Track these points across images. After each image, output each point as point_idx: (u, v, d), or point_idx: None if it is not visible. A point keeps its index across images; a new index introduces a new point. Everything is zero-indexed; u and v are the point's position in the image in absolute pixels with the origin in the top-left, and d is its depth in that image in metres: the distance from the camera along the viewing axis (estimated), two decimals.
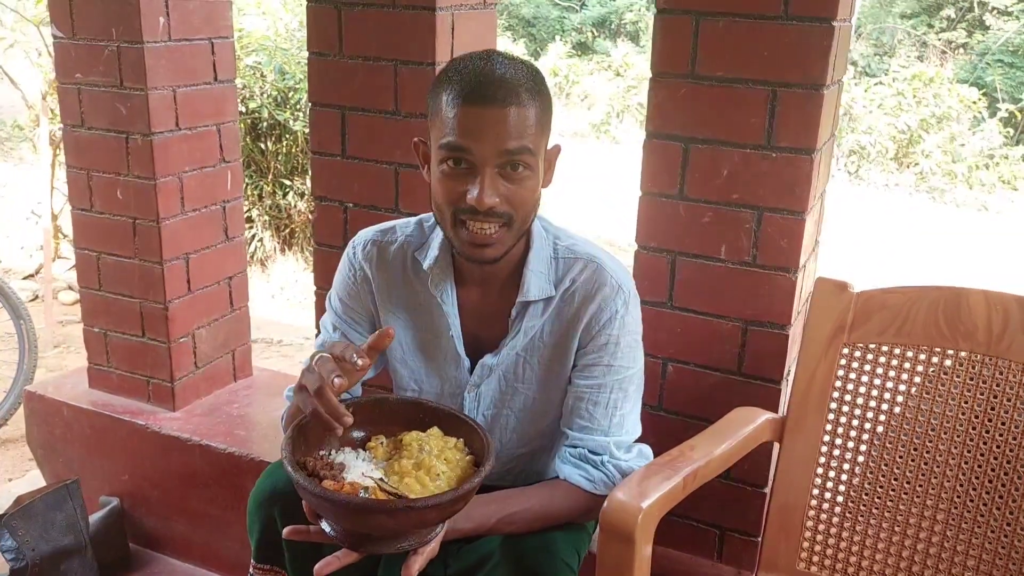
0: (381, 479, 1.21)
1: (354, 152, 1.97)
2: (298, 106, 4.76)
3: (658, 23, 1.63)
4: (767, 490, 1.75)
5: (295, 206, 4.87)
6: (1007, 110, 9.18)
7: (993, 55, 12.25)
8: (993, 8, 13.01)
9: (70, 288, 4.83)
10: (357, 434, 1.32)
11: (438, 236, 1.45)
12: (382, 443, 1.31)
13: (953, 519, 1.44)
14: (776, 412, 1.62)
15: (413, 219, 1.53)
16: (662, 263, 1.72)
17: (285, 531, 1.28)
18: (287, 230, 5.06)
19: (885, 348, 1.48)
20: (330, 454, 1.28)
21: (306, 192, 4.87)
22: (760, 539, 1.78)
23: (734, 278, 1.67)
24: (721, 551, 1.81)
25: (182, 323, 2.33)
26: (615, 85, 9.51)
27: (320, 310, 2.11)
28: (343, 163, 1.98)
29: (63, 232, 5.16)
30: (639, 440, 1.50)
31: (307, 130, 4.69)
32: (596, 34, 13.71)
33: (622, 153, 8.37)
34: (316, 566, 1.22)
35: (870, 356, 1.49)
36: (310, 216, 4.96)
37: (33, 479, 2.67)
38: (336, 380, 1.17)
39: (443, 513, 1.17)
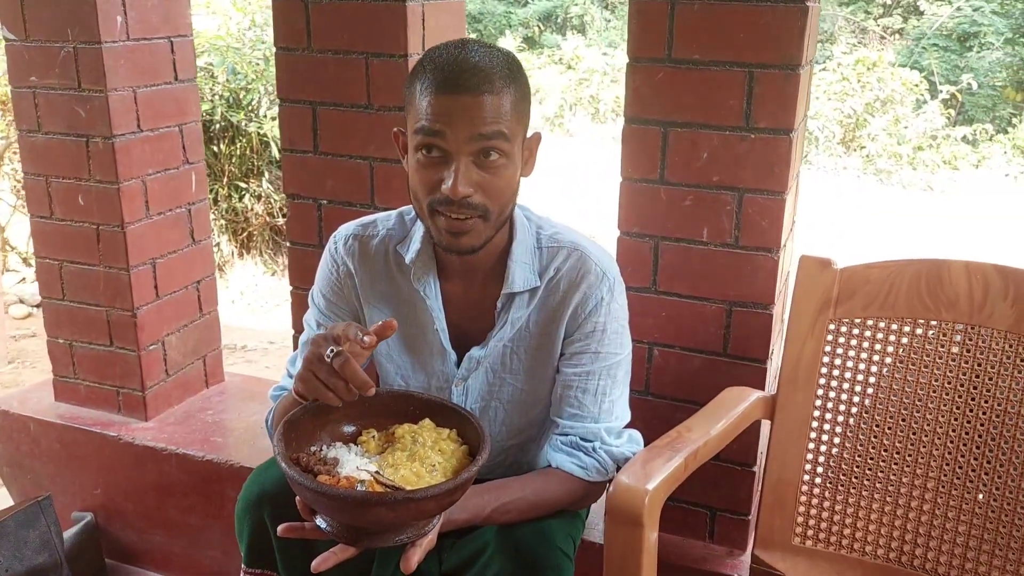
0: (377, 472, 1.19)
1: (327, 148, 1.94)
2: (251, 107, 4.68)
3: (633, 8, 1.63)
4: (756, 468, 1.77)
5: (252, 209, 4.80)
6: (948, 92, 9.41)
7: (928, 39, 12.54)
8: None
9: (21, 302, 4.70)
10: (348, 428, 1.30)
11: (420, 229, 1.44)
12: (374, 436, 1.30)
13: (943, 487, 1.46)
14: (763, 391, 1.64)
15: (394, 212, 1.51)
16: (645, 248, 1.72)
17: (280, 529, 1.25)
18: (244, 234, 4.98)
19: (870, 322, 1.50)
20: (322, 450, 1.26)
21: (263, 194, 4.80)
22: (751, 517, 1.80)
23: (717, 260, 1.68)
24: (713, 531, 1.82)
25: (151, 330, 2.27)
26: (567, 78, 9.53)
27: (298, 309, 2.08)
28: (316, 159, 1.95)
29: (10, 244, 5.01)
30: (628, 426, 1.51)
31: (261, 131, 4.63)
32: (543, 28, 13.73)
33: (576, 145, 8.39)
34: (314, 562, 1.20)
35: (856, 331, 1.51)
36: (268, 218, 4.89)
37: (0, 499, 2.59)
38: (365, 338, 1.17)
39: (441, 504, 1.16)
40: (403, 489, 1.15)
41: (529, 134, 1.36)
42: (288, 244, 2.06)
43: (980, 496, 1.43)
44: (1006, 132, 10.33)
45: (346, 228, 1.51)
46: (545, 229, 1.44)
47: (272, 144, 4.59)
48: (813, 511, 1.55)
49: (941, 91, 9.39)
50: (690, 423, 1.43)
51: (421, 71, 1.28)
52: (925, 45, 12.46)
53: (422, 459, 1.22)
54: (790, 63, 1.56)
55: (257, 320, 4.55)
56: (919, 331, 1.47)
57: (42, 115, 2.15)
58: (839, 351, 1.52)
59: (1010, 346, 1.41)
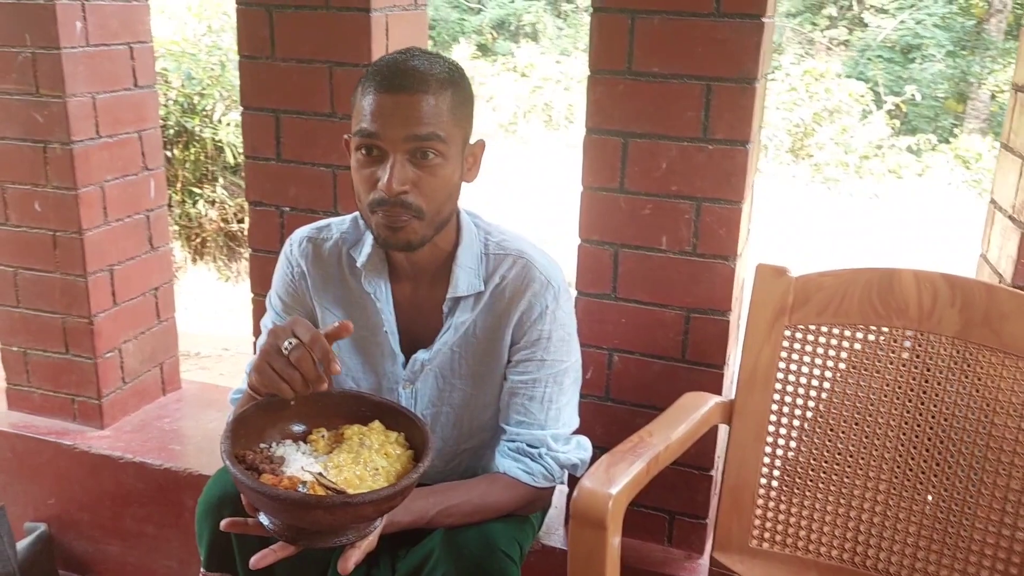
0: (320, 474, 1.21)
1: (289, 155, 1.94)
2: (205, 113, 4.64)
3: (595, 21, 1.67)
4: (713, 472, 1.82)
5: (206, 215, 4.75)
6: (892, 103, 9.66)
7: (873, 51, 12.87)
8: (871, 6, 13.67)
9: None
10: (298, 427, 1.32)
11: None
12: (323, 436, 1.31)
13: (895, 488, 1.52)
14: (720, 395, 1.68)
15: (349, 216, 1.53)
16: (605, 255, 1.76)
17: (223, 523, 1.27)
18: (198, 239, 4.93)
19: (824, 328, 1.55)
20: (271, 447, 1.28)
21: (217, 200, 4.75)
22: (709, 521, 1.84)
23: (675, 267, 1.72)
24: (671, 535, 1.86)
25: (108, 337, 2.25)
26: (521, 86, 9.60)
27: (259, 315, 2.07)
28: (278, 167, 1.95)
29: None
30: (586, 431, 1.54)
31: (216, 137, 4.59)
32: (496, 35, 13.79)
33: (530, 153, 8.45)
34: (252, 559, 1.22)
35: (811, 337, 1.56)
36: (222, 224, 4.84)
37: None
38: (335, 364, 1.21)
39: (380, 508, 1.18)
40: (344, 492, 1.17)
41: (474, 140, 1.39)
42: (249, 251, 2.05)
43: (929, 497, 1.49)
44: (948, 142, 10.65)
45: (301, 231, 1.53)
46: (493, 236, 1.46)
47: (227, 150, 4.56)
48: (770, 514, 1.59)
49: (886, 102, 9.64)
50: (651, 428, 1.46)
51: (365, 76, 1.33)
52: (870, 56, 12.78)
53: (366, 462, 1.23)
54: (747, 77, 1.60)
55: (211, 326, 4.51)
56: (871, 337, 1.53)
57: None
58: (795, 356, 1.57)
59: (957, 352, 1.47)
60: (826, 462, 1.56)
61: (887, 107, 9.52)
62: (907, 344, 1.50)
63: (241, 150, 4.77)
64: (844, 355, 1.54)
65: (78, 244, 2.14)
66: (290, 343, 1.20)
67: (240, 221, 4.82)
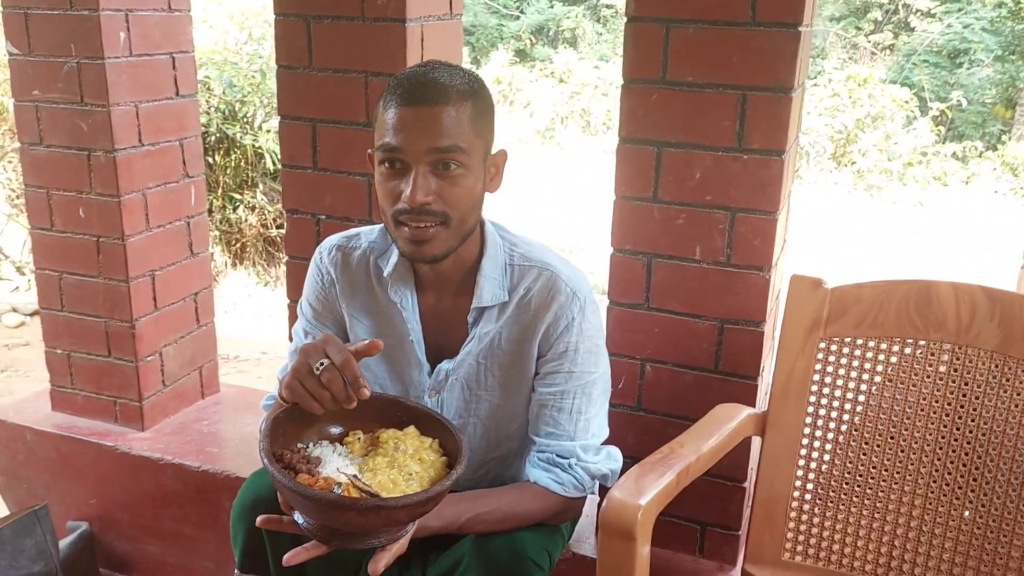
0: (355, 476, 1.23)
1: (325, 164, 1.96)
2: (246, 120, 4.72)
3: (629, 30, 1.67)
4: (746, 484, 1.80)
5: (246, 220, 4.82)
6: (938, 109, 9.50)
7: (919, 56, 12.66)
8: (917, 10, 13.45)
9: (15, 311, 4.70)
10: (335, 429, 1.35)
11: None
12: (359, 439, 1.33)
13: (930, 503, 1.49)
14: (753, 407, 1.66)
15: (378, 226, 1.55)
16: (638, 265, 1.75)
17: (258, 519, 1.30)
18: (238, 244, 5.00)
19: (860, 341, 1.54)
20: (308, 447, 1.30)
21: (257, 206, 4.82)
22: (741, 533, 1.83)
23: (709, 278, 1.71)
24: (703, 546, 1.85)
25: (149, 341, 2.29)
26: (558, 92, 9.61)
27: (294, 322, 2.09)
28: (314, 175, 1.98)
29: (4, 253, 5.02)
30: (616, 441, 1.54)
31: (256, 144, 4.66)
32: (535, 41, 13.80)
33: (567, 158, 8.45)
34: (285, 556, 1.24)
35: (846, 349, 1.54)
36: (261, 230, 4.91)
37: None
38: (364, 390, 1.22)
39: (412, 513, 1.20)
40: (377, 495, 1.19)
41: (495, 150, 1.40)
42: (286, 258, 2.08)
43: (967, 513, 1.46)
44: (995, 149, 10.43)
45: (331, 240, 1.56)
46: (518, 247, 1.47)
47: (268, 156, 4.63)
48: (803, 527, 1.57)
49: (931, 108, 9.48)
50: (682, 439, 1.45)
51: (386, 90, 1.35)
52: (916, 61, 12.57)
53: (401, 467, 1.26)
54: (783, 86, 1.59)
55: (250, 330, 4.57)
56: (908, 350, 1.51)
57: (44, 128, 2.17)
58: (829, 369, 1.55)
59: (996, 366, 1.45)
60: (860, 475, 1.54)
61: (932, 113, 9.35)
62: (945, 357, 1.48)
63: (280, 157, 4.84)
64: (880, 368, 1.53)
65: (121, 250, 2.19)
66: (321, 364, 1.21)
67: (279, 227, 4.88)
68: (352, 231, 1.55)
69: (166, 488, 2.22)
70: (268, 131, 4.60)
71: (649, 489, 1.27)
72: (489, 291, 1.42)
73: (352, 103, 1.90)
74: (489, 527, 1.40)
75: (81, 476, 2.31)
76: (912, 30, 13.70)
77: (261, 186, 4.75)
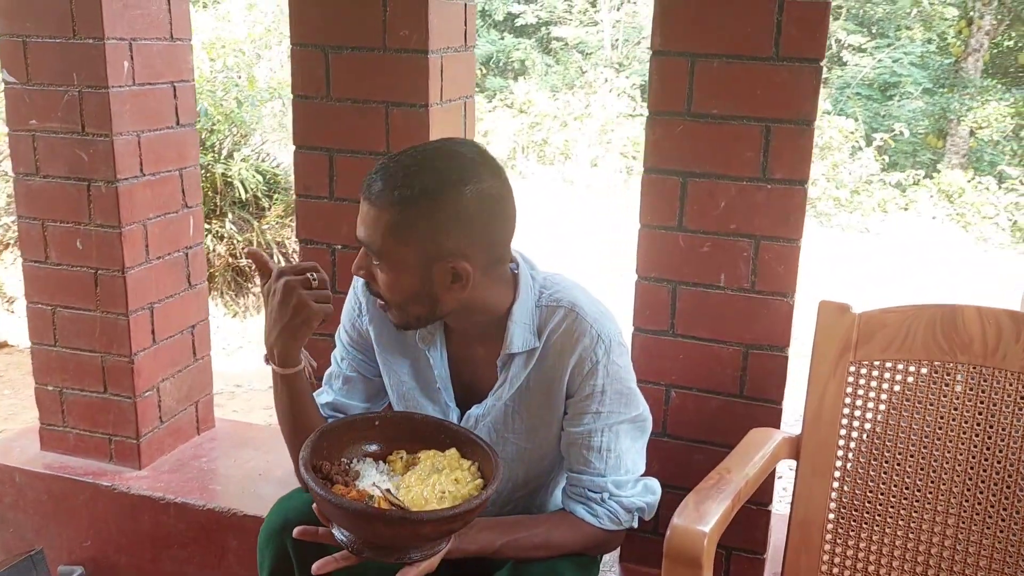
0: (388, 490, 1.26)
1: (343, 194, 1.95)
2: (215, 148, 4.65)
3: (655, 64, 1.70)
4: (771, 508, 1.83)
5: (214, 250, 4.73)
6: (881, 139, 9.83)
7: (852, 89, 13.10)
8: (848, 45, 13.93)
9: None
10: (379, 447, 1.39)
11: None
12: (402, 458, 1.37)
13: (963, 523, 1.53)
14: (782, 431, 1.69)
15: None
16: (663, 292, 1.78)
17: (296, 530, 1.32)
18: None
19: (889, 364, 1.58)
20: (351, 462, 1.34)
21: (225, 235, 4.74)
22: (765, 556, 1.85)
23: (734, 304, 1.74)
24: (728, 570, 1.86)
25: (147, 376, 2.23)
26: (519, 122, 9.68)
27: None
28: (331, 205, 1.96)
29: None
30: (649, 475, 1.53)
31: (227, 172, 4.59)
32: (485, 71, 13.92)
33: (529, 188, 8.51)
34: (315, 564, 1.26)
35: (875, 372, 1.58)
36: (230, 259, 4.83)
37: None
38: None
39: (440, 529, 1.22)
40: (404, 508, 1.22)
41: (451, 259, 1.31)
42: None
43: (1000, 532, 1.51)
44: (931, 177, 10.83)
45: None
46: (547, 288, 1.44)
47: (239, 186, 4.56)
48: (838, 549, 1.60)
49: (875, 138, 9.81)
50: (728, 464, 1.47)
51: None
52: (849, 94, 13.01)
53: (434, 485, 1.28)
54: (805, 118, 1.64)
55: (220, 363, 4.47)
56: (936, 373, 1.55)
57: (41, 158, 2.12)
58: (860, 392, 1.59)
59: (1023, 387, 1.50)
60: (893, 497, 1.57)
61: (876, 143, 9.70)
62: (972, 380, 1.53)
63: (252, 186, 4.81)
64: (909, 391, 1.57)
65: (120, 282, 2.14)
66: (313, 276, 1.36)
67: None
68: None
69: (167, 528, 2.15)
70: (243, 159, 4.53)
71: (710, 516, 1.28)
72: (520, 337, 1.41)
73: (372, 133, 1.89)
74: (525, 554, 1.40)
75: (74, 518, 2.23)
76: (845, 64, 14.16)
77: (230, 215, 4.67)
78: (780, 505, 1.86)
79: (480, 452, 1.35)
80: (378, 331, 1.51)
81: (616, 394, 1.43)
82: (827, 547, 1.60)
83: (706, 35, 1.65)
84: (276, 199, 4.91)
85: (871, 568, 1.59)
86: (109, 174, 2.07)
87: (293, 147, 2.01)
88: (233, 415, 3.83)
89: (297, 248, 5.32)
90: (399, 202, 1.27)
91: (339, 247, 1.98)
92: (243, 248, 4.75)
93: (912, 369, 1.57)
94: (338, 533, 1.26)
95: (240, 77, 4.77)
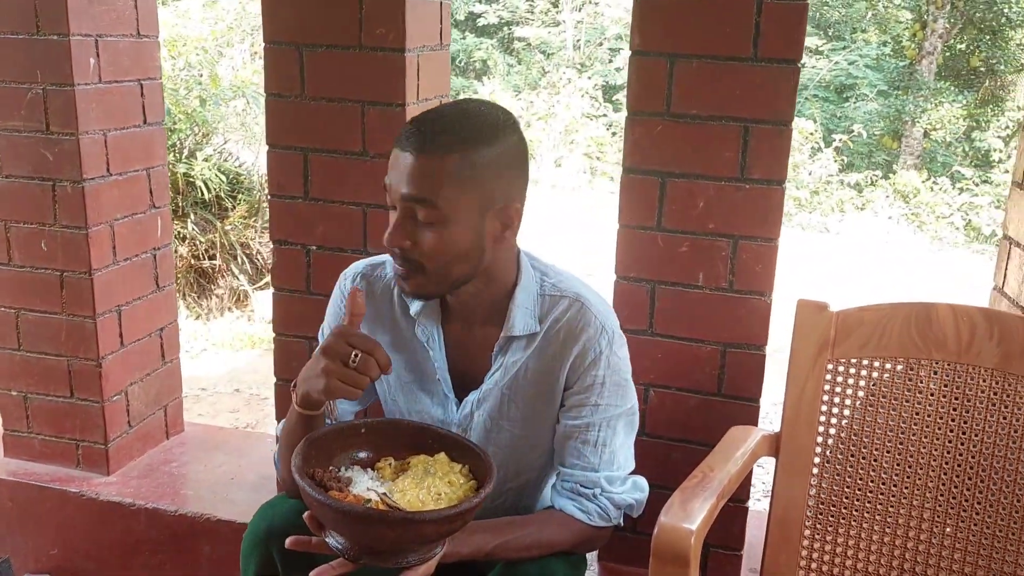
0: (385, 494, 1.25)
1: (318, 194, 1.93)
2: (175, 148, 4.57)
3: (634, 64, 1.71)
4: (748, 504, 1.84)
5: (176, 251, 4.65)
6: (840, 140, 9.99)
7: (810, 91, 13.30)
8: (805, 48, 14.15)
9: None
10: (366, 454, 1.36)
11: None
12: (391, 464, 1.35)
13: (938, 517, 1.56)
14: (760, 428, 1.71)
15: None
16: (642, 292, 1.78)
17: (288, 541, 1.29)
18: None
19: (866, 361, 1.60)
20: (340, 470, 1.32)
21: (187, 236, 4.66)
22: (743, 552, 1.86)
23: (712, 303, 1.75)
24: (706, 567, 1.87)
25: (115, 380, 2.19)
26: None
27: (281, 355, 2.04)
28: (306, 205, 1.94)
29: None
30: (634, 472, 1.54)
31: (189, 172, 4.52)
32: None
33: None
34: (311, 573, 1.23)
35: (852, 370, 1.60)
36: (192, 261, 4.75)
37: None
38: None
39: (441, 529, 1.21)
40: (392, 511, 1.20)
41: (503, 203, 1.33)
42: (273, 290, 2.03)
43: (948, 529, 1.53)
44: (888, 178, 11.04)
45: (355, 266, 1.54)
46: (549, 277, 1.45)
47: (202, 186, 4.48)
48: (816, 544, 1.62)
49: (834, 139, 9.97)
50: (711, 463, 1.47)
51: None
52: (807, 96, 13.20)
53: (429, 488, 1.27)
54: (783, 119, 1.66)
55: (184, 366, 4.40)
56: (912, 370, 1.57)
57: (3, 158, 2.06)
58: (838, 389, 1.61)
59: (996, 383, 1.52)
60: (870, 492, 1.59)
61: (836, 144, 9.85)
62: (947, 376, 1.55)
63: (215, 186, 4.74)
64: (885, 387, 1.59)
65: (87, 284, 2.09)
66: (356, 355, 1.24)
67: (211, 257, 4.73)
68: (377, 259, 1.52)
69: (137, 535, 2.11)
70: (205, 159, 4.46)
71: (697, 514, 1.29)
72: (521, 320, 1.42)
73: (347, 132, 1.87)
74: (516, 555, 1.39)
75: (41, 526, 2.18)
76: (802, 66, 14.37)
77: (192, 216, 4.59)
78: (750, 501, 1.88)
79: (471, 454, 1.34)
80: (370, 330, 1.49)
81: (614, 386, 1.44)
82: (805, 543, 1.62)
83: (685, 35, 1.66)
84: (239, 199, 4.84)
85: (848, 562, 1.60)
86: (75, 174, 2.03)
87: (257, 146, 1.99)
88: (199, 419, 3.77)
89: (261, 249, 5.27)
90: (459, 146, 1.26)
91: (314, 248, 1.96)
92: (205, 249, 4.68)
93: (888, 366, 1.59)
94: (333, 540, 1.23)
95: (202, 75, 4.69)
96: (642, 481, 1.52)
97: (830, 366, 1.61)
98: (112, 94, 2.09)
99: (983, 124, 12.89)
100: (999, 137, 12.47)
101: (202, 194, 4.54)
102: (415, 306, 1.46)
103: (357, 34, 1.82)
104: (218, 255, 4.68)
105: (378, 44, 1.82)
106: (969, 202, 9.65)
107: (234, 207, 4.81)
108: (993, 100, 13.20)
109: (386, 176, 1.31)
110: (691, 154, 1.70)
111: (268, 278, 5.09)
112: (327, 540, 1.24)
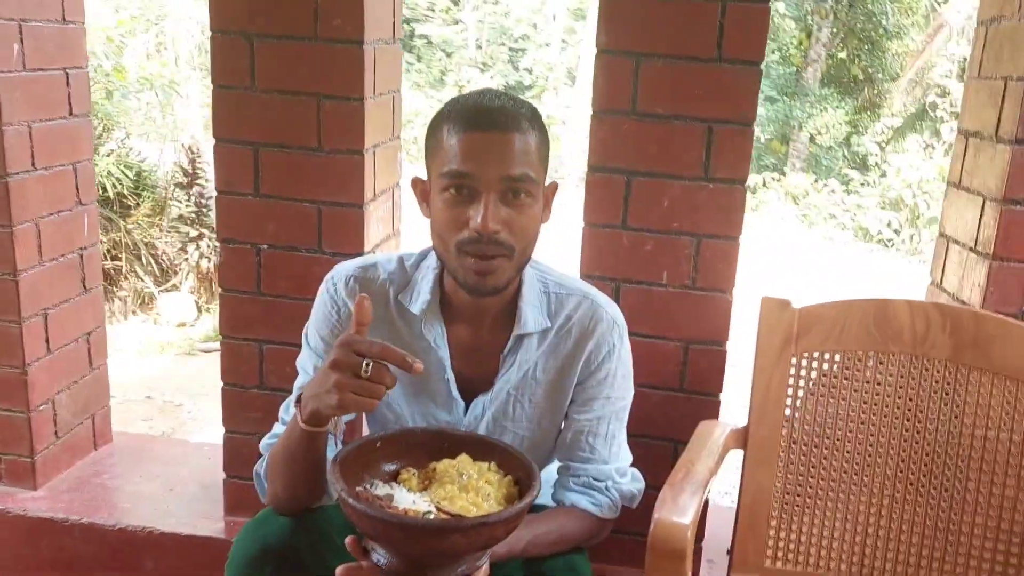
0: (437, 504, 1.20)
1: (269, 190, 1.85)
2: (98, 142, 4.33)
3: (600, 62, 1.71)
4: (707, 496, 1.87)
5: None
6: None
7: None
8: None
9: None
10: (389, 467, 1.30)
11: (426, 277, 1.42)
12: (414, 474, 1.28)
13: (896, 503, 1.63)
14: (724, 422, 1.74)
15: (393, 255, 1.48)
16: (607, 291, 1.78)
17: (338, 571, 1.19)
18: None
19: (827, 355, 1.65)
20: (370, 487, 1.25)
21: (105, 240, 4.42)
22: (702, 544, 1.90)
23: (676, 301, 1.77)
24: None
25: (42, 388, 2.06)
26: None
27: (231, 359, 1.95)
28: (256, 202, 1.86)
29: None
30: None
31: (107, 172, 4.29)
32: None
33: (405, 186, 8.44)
34: (338, 570, 1.18)
35: (815, 364, 1.65)
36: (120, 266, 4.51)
37: None
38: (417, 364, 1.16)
39: (508, 528, 1.18)
40: (468, 518, 1.16)
41: (548, 184, 1.38)
42: (220, 291, 1.94)
43: (929, 509, 1.61)
44: (779, 181, 11.50)
45: (344, 268, 1.45)
46: (550, 276, 1.46)
47: (104, 183, 4.25)
48: (783, 534, 1.66)
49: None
50: (690, 457, 1.50)
51: (447, 116, 1.30)
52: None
53: (475, 490, 1.23)
54: (745, 119, 1.69)
55: None
56: (870, 363, 1.63)
57: None
58: (801, 382, 1.65)
59: (949, 373, 1.60)
60: (833, 480, 1.65)
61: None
62: (903, 368, 1.62)
63: (117, 182, 4.51)
64: (846, 380, 1.65)
65: (12, 286, 1.95)
66: (367, 365, 1.15)
67: (115, 258, 4.50)
68: (367, 260, 1.46)
69: (71, 552, 1.98)
70: (107, 154, 4.23)
71: (690, 509, 1.30)
72: (532, 318, 1.40)
73: (302, 127, 1.81)
74: (543, 551, 1.39)
75: None
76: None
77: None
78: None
79: (495, 449, 1.31)
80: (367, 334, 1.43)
81: (623, 378, 1.47)
82: (772, 532, 1.66)
83: (651, 35, 1.67)
84: (143, 197, 4.62)
85: (813, 549, 1.65)
86: None
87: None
88: (118, 425, 3.58)
89: (167, 249, 5.05)
90: (536, 122, 1.30)
91: (264, 247, 1.88)
92: (108, 249, 4.45)
93: (848, 359, 1.65)
94: (385, 561, 1.17)
95: (103, 66, 4.45)
96: (638, 473, 1.54)
97: (794, 360, 1.66)
98: (37, 83, 1.96)
99: (861, 130, 13.60)
100: (876, 143, 13.18)
101: (104, 191, 4.31)
102: (419, 306, 1.41)
103: (312, 25, 1.76)
104: (122, 255, 4.46)
105: (335, 36, 1.76)
106: (857, 203, 10.13)
107: (138, 205, 4.58)
108: (871, 107, 13.95)
109: (453, 164, 1.25)
110: (656, 153, 1.72)
111: (175, 280, 4.88)
112: (377, 561, 1.17)
